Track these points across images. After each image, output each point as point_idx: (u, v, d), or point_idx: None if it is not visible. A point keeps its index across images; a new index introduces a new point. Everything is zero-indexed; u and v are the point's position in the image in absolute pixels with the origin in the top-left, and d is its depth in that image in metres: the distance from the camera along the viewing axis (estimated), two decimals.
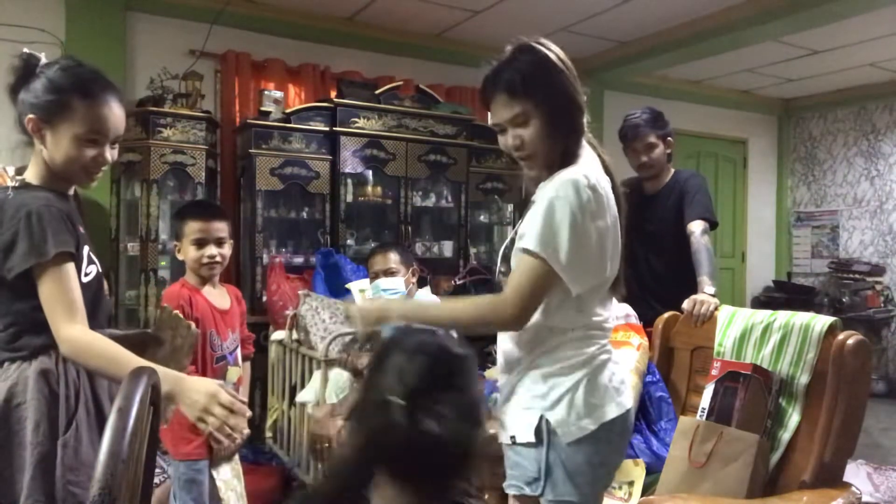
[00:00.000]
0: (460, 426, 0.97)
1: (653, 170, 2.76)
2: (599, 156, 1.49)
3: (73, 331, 1.36)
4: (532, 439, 1.41)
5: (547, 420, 1.40)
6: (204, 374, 2.10)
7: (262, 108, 3.94)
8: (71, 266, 1.41)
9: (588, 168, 1.41)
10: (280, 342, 3.16)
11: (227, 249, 2.23)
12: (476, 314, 1.44)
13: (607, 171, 1.47)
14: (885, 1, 3.96)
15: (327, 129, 3.98)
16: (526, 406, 1.44)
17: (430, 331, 1.09)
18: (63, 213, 1.42)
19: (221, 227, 2.21)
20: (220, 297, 2.27)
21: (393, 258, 2.77)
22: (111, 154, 1.49)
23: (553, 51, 1.46)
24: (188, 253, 2.18)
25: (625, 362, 2.13)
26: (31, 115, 1.43)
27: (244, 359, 2.37)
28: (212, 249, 2.17)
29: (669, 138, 2.75)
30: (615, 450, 1.45)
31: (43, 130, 1.43)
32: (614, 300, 1.53)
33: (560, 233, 1.34)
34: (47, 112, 1.42)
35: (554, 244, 1.34)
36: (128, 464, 1.03)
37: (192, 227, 2.17)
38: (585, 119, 1.47)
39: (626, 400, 1.46)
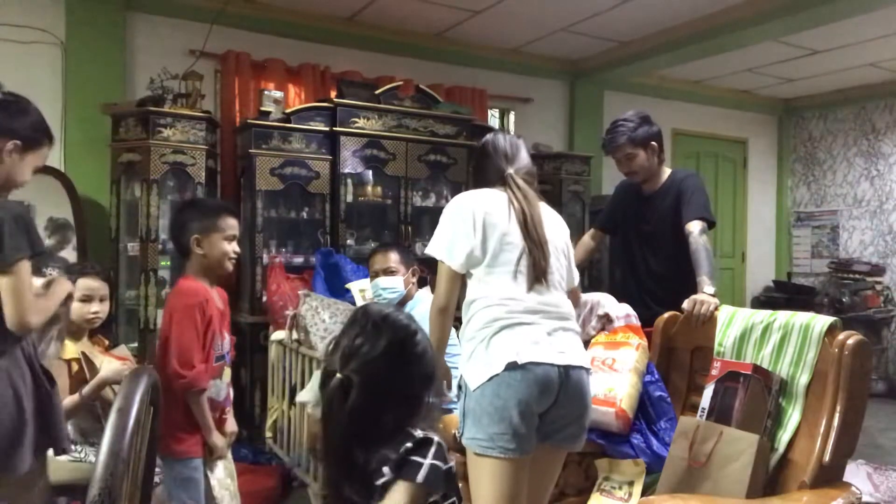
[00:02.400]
0: (394, 395, 1.20)
1: (638, 176, 2.76)
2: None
3: None
4: (457, 392, 1.79)
5: (462, 374, 1.75)
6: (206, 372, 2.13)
7: (262, 108, 3.94)
8: None
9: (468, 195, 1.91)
10: (280, 342, 3.16)
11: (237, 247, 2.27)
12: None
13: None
14: (886, 1, 3.96)
15: (327, 129, 3.98)
16: (457, 366, 1.81)
17: (386, 313, 1.32)
18: None
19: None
20: (218, 297, 2.26)
21: (393, 258, 2.77)
22: None
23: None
24: (219, 248, 2.16)
25: (623, 361, 2.14)
26: None
27: (231, 364, 2.36)
28: (237, 246, 2.21)
29: (653, 143, 2.71)
30: (518, 392, 1.65)
31: None
32: (553, 284, 1.81)
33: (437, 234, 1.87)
34: None
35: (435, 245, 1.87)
36: (128, 464, 1.03)
37: (230, 224, 2.18)
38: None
39: (531, 354, 1.67)
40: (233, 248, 2.19)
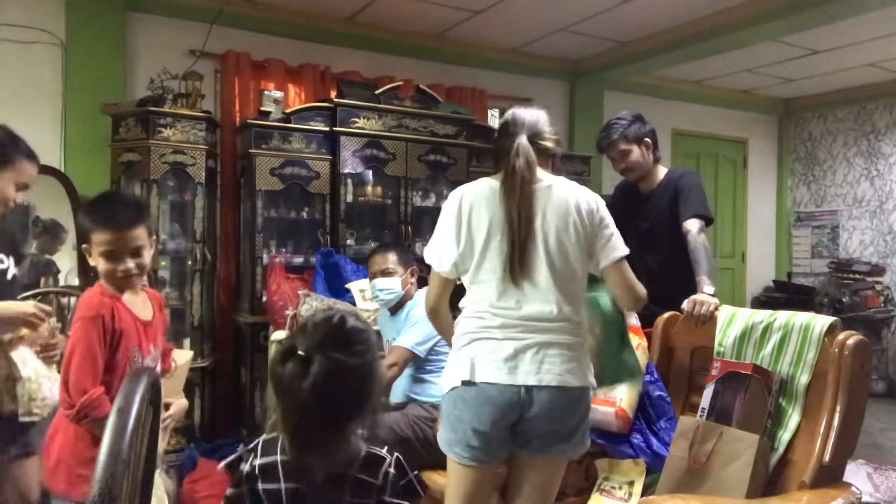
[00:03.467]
0: (335, 379, 1.27)
1: (634, 173, 2.78)
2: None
3: None
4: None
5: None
6: None
7: (262, 108, 3.94)
8: None
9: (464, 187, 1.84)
10: (280, 342, 3.16)
11: (146, 258, 1.82)
12: None
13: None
14: (886, 1, 3.96)
15: (327, 129, 3.98)
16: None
17: (336, 311, 1.41)
18: None
19: (138, 235, 1.78)
20: (142, 305, 1.89)
21: (391, 259, 2.77)
22: None
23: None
24: (98, 263, 1.78)
25: None
26: None
27: (162, 374, 1.99)
28: (127, 263, 1.77)
29: (647, 140, 2.73)
30: (469, 408, 1.67)
31: None
32: (529, 292, 1.72)
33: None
34: None
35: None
36: (128, 464, 1.03)
37: (100, 238, 1.75)
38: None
39: (486, 374, 1.66)
40: (118, 266, 1.77)
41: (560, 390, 1.66)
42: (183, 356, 2.43)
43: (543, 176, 1.78)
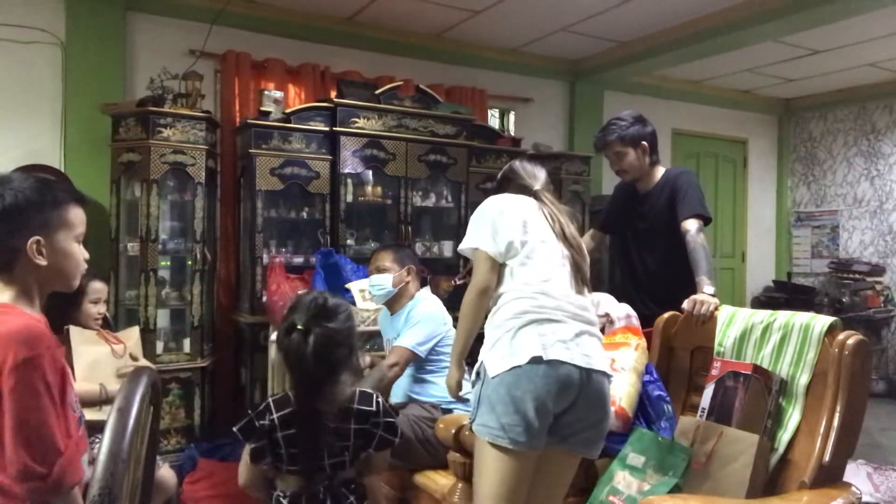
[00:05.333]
0: (329, 341, 1.65)
1: (628, 175, 2.79)
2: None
3: None
4: (474, 377, 1.80)
5: (483, 361, 1.76)
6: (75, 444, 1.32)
7: (262, 108, 3.94)
8: None
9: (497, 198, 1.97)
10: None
11: None
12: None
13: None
14: (885, 1, 3.96)
15: (327, 129, 3.98)
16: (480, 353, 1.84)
17: (316, 292, 1.81)
18: None
19: None
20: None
21: (387, 257, 2.79)
22: None
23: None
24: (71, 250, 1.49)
25: (622, 362, 2.14)
26: None
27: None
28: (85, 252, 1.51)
29: (644, 143, 2.72)
30: (537, 387, 1.67)
31: None
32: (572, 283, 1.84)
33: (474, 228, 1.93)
34: None
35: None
36: (128, 464, 1.04)
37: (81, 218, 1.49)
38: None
39: (556, 352, 1.69)
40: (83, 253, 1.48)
41: (608, 378, 1.79)
42: (131, 335, 2.68)
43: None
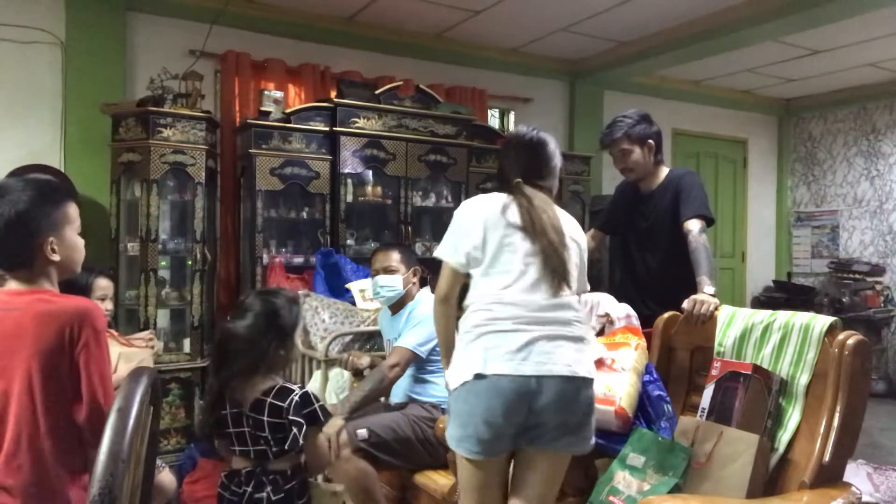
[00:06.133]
0: (225, 337, 1.80)
1: (633, 173, 2.77)
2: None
3: None
4: (447, 391, 1.82)
5: (446, 373, 1.82)
6: None
7: (262, 108, 3.94)
8: None
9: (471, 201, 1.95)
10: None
11: None
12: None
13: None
14: (886, 1, 3.96)
15: (327, 129, 3.98)
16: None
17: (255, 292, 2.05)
18: None
19: None
20: None
21: (394, 257, 2.76)
22: None
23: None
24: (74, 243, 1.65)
25: (622, 362, 2.14)
26: None
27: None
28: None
29: (650, 141, 2.72)
30: (481, 402, 1.69)
31: None
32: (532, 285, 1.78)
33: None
34: None
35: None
36: (128, 464, 1.04)
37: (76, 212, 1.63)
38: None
39: (498, 366, 1.68)
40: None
41: (568, 380, 1.72)
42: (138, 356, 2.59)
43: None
